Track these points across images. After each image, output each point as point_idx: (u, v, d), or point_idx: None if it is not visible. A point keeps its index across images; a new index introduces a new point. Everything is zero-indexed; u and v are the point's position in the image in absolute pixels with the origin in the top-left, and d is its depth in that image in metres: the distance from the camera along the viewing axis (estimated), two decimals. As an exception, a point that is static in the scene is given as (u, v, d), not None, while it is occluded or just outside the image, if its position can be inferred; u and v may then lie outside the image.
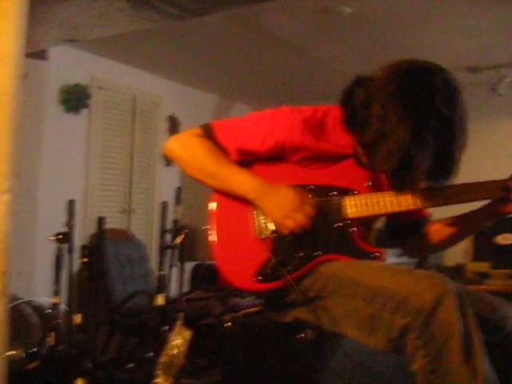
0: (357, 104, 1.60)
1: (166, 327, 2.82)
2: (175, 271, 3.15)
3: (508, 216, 1.66)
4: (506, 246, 3.78)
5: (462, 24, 4.15)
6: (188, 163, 1.74)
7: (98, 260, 2.19)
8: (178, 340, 1.94)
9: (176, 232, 2.90)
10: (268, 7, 3.87)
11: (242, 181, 1.68)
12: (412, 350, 1.40)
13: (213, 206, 1.75)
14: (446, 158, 1.55)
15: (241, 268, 1.68)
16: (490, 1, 3.74)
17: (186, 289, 5.15)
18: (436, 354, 1.37)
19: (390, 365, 1.77)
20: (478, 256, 4.73)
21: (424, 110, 1.51)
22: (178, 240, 2.87)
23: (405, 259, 4.59)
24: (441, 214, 1.85)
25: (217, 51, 4.92)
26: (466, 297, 1.43)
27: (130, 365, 4.00)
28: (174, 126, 5.74)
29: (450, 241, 1.85)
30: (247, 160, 1.74)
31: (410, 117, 1.50)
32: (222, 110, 6.37)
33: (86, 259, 2.06)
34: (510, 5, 3.78)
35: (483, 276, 4.76)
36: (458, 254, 5.04)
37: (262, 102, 6.08)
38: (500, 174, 1.66)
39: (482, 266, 4.58)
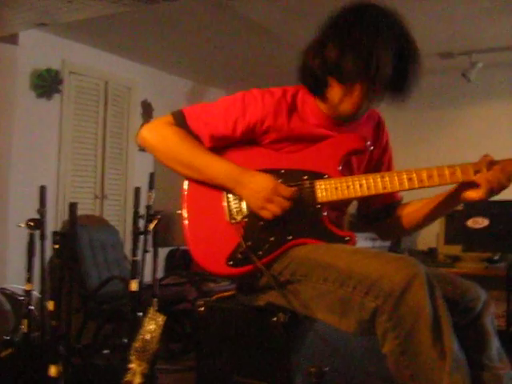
0: (315, 60, 1.66)
1: (141, 313, 2.81)
2: (149, 257, 3.15)
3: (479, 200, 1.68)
4: (477, 229, 3.83)
5: (435, 9, 4.17)
6: (162, 153, 1.73)
7: (70, 246, 2.17)
8: (151, 325, 1.94)
9: (149, 217, 2.89)
10: (242, -9, 3.85)
11: (218, 170, 1.68)
12: (382, 332, 1.42)
13: (185, 191, 1.75)
14: (404, 70, 1.67)
15: (212, 252, 1.68)
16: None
17: (160, 274, 5.16)
18: (406, 336, 1.39)
19: (362, 347, 1.80)
20: (449, 239, 4.79)
21: (375, 27, 1.63)
22: (151, 225, 2.86)
23: (378, 243, 4.65)
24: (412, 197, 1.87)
25: (190, 36, 4.88)
26: (435, 279, 1.45)
27: (106, 351, 4.00)
28: (147, 112, 5.70)
29: (422, 223, 1.86)
30: (220, 145, 1.73)
31: (366, 33, 1.61)
32: (196, 95, 6.34)
33: (57, 246, 2.04)
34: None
35: (455, 259, 4.83)
36: (430, 237, 5.11)
37: (237, 87, 6.03)
38: (471, 158, 1.68)
39: (454, 250, 4.64)
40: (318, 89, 1.70)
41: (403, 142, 5.58)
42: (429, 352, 1.37)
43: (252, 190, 1.63)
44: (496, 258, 4.80)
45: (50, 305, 2.27)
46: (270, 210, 1.62)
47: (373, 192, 1.65)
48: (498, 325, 3.89)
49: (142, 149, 1.80)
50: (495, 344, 1.63)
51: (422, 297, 1.39)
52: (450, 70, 5.32)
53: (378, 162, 1.89)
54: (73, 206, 2.18)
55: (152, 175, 3.20)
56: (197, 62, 5.71)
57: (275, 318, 1.65)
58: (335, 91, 1.68)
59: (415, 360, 1.39)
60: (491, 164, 1.61)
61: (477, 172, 1.62)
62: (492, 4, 4.02)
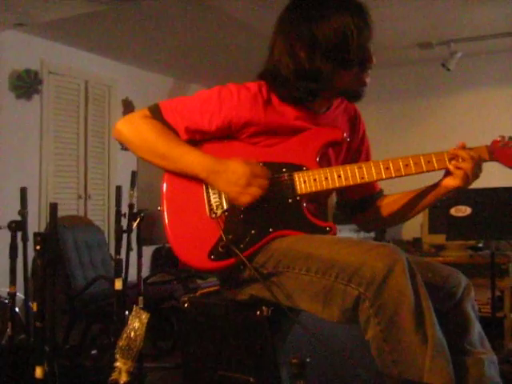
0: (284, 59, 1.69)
1: (127, 312, 2.80)
2: (135, 255, 3.14)
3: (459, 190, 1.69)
4: (460, 217, 3.85)
5: (414, 1, 4.19)
6: (138, 145, 1.73)
7: (53, 247, 2.15)
8: (136, 323, 1.93)
9: (132, 216, 2.88)
10: (219, -13, 3.84)
11: (192, 160, 1.67)
12: (365, 319, 1.43)
13: (164, 187, 1.75)
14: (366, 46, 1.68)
15: (194, 247, 1.68)
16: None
17: (147, 272, 5.15)
18: (388, 322, 1.40)
19: (347, 335, 1.80)
20: (433, 229, 4.82)
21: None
22: (134, 224, 2.85)
23: (362, 234, 4.67)
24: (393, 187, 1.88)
25: (170, 33, 4.87)
26: (416, 266, 1.46)
27: (93, 351, 3.99)
28: (128, 110, 5.68)
29: (403, 215, 1.88)
30: (197, 139, 1.73)
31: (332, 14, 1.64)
32: (178, 92, 6.32)
33: (38, 247, 2.03)
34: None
35: (439, 248, 4.86)
36: (414, 227, 5.14)
37: (218, 82, 6.02)
38: (451, 146, 1.69)
39: (438, 239, 4.67)
40: (322, 85, 1.70)
41: (384, 131, 5.63)
42: (411, 338, 1.39)
43: (228, 178, 1.63)
44: (480, 245, 4.85)
45: (34, 306, 2.25)
46: (250, 193, 1.61)
47: (351, 182, 1.66)
48: (483, 311, 3.93)
49: (125, 147, 1.80)
50: (476, 329, 1.65)
51: (404, 283, 1.40)
52: (430, 60, 5.36)
53: (356, 153, 1.91)
54: (53, 207, 2.16)
55: (134, 173, 3.19)
56: (177, 59, 5.70)
57: (259, 312, 1.65)
58: (343, 78, 1.69)
59: (397, 346, 1.40)
60: (465, 151, 1.64)
61: (452, 159, 1.64)
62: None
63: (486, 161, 1.67)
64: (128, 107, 5.73)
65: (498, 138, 1.70)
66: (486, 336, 1.70)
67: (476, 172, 1.64)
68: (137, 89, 5.86)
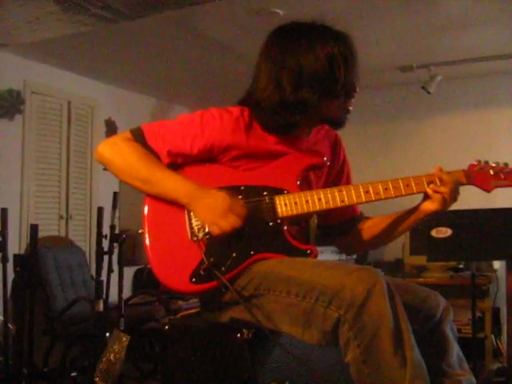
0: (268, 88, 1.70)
1: (108, 334, 2.78)
2: (116, 276, 3.12)
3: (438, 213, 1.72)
4: (441, 239, 3.88)
5: (395, 24, 4.26)
6: (120, 168, 1.73)
7: (33, 268, 2.14)
8: (116, 346, 1.92)
9: (113, 237, 2.87)
10: (202, 10, 3.87)
11: (173, 185, 1.68)
12: (345, 341, 1.44)
13: (146, 209, 1.75)
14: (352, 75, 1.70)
15: (175, 270, 1.68)
16: (421, 2, 3.85)
17: (129, 294, 5.12)
18: (367, 345, 1.41)
19: (327, 358, 1.81)
20: (415, 250, 4.85)
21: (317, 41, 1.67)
22: (116, 245, 2.85)
23: (344, 256, 4.68)
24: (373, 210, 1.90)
25: (153, 54, 4.89)
26: (395, 288, 1.47)
27: (73, 373, 3.94)
28: (111, 130, 5.68)
29: (383, 238, 1.90)
30: (179, 162, 1.74)
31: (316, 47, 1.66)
32: (161, 113, 6.33)
33: (18, 268, 2.02)
34: (441, 6, 3.90)
35: (421, 269, 4.89)
36: (396, 248, 5.16)
37: (201, 103, 6.05)
38: (431, 169, 1.73)
39: (419, 260, 4.69)
40: (306, 116, 1.72)
41: (365, 154, 5.67)
42: (390, 360, 1.40)
43: (206, 206, 1.64)
44: (461, 266, 4.88)
45: (13, 328, 2.23)
46: (221, 227, 1.62)
47: (331, 205, 1.68)
48: (464, 332, 3.95)
49: (106, 168, 1.80)
50: (455, 351, 1.67)
51: (383, 306, 1.41)
52: (410, 83, 5.42)
53: (337, 177, 1.93)
54: (34, 228, 2.15)
55: (116, 195, 3.18)
56: (160, 80, 5.72)
57: (239, 335, 1.65)
58: (328, 108, 1.72)
59: (377, 368, 1.40)
60: (443, 175, 1.67)
61: (430, 183, 1.68)
62: (446, 19, 4.12)
63: (463, 184, 1.70)
64: (111, 127, 5.72)
65: (475, 162, 1.73)
66: (467, 357, 1.72)
67: (454, 196, 1.68)
68: (120, 109, 5.86)
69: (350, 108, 1.76)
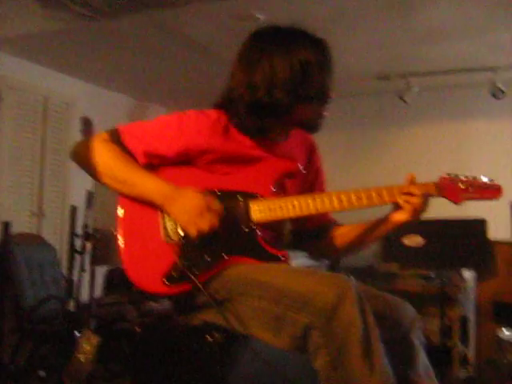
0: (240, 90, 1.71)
1: (77, 333, 2.77)
2: (88, 276, 3.10)
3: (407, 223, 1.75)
4: (414, 247, 3.93)
5: (374, 33, 4.30)
6: (95, 169, 1.72)
7: (4, 266, 2.12)
8: (86, 346, 1.91)
9: (87, 236, 2.85)
10: (184, 11, 3.87)
11: (149, 186, 1.68)
12: (315, 347, 1.46)
13: (121, 210, 1.75)
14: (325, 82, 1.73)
15: (148, 272, 1.68)
16: (400, 12, 3.90)
17: (100, 293, 5.07)
18: (337, 351, 1.42)
19: (298, 363, 1.82)
20: (387, 257, 4.89)
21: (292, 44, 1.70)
22: (89, 244, 2.83)
23: (317, 262, 4.70)
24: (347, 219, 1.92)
25: (132, 53, 4.87)
26: (365, 296, 1.49)
27: (41, 372, 3.90)
28: (87, 128, 5.62)
29: (354, 247, 1.92)
30: (155, 164, 1.74)
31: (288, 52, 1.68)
32: (138, 112, 6.30)
33: (-11, 265, 2.00)
34: (419, 17, 3.95)
35: (393, 276, 4.94)
36: (369, 255, 5.20)
37: (178, 103, 6.07)
38: (402, 180, 1.75)
39: (392, 267, 4.74)
40: (280, 119, 1.74)
41: (339, 161, 5.71)
42: (358, 367, 1.41)
43: (182, 206, 1.64)
44: (432, 275, 4.94)
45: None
46: (198, 226, 1.63)
47: (305, 212, 1.70)
48: (433, 340, 3.99)
49: (81, 168, 1.79)
50: (422, 359, 1.69)
51: (353, 313, 1.43)
52: (388, 92, 5.47)
53: (311, 184, 1.94)
54: (6, 225, 2.13)
55: (90, 193, 3.16)
56: (138, 79, 5.70)
57: (210, 338, 1.65)
58: (301, 112, 1.74)
59: (345, 375, 1.42)
60: (414, 187, 1.70)
61: (401, 194, 1.70)
62: (424, 30, 4.18)
63: (433, 196, 1.73)
64: (87, 125, 5.67)
65: (445, 175, 1.76)
66: (435, 365, 1.74)
67: (424, 207, 1.71)
68: (96, 107, 5.82)
69: (325, 113, 1.78)
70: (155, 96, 6.28)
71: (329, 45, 1.75)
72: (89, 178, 1.80)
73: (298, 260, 1.93)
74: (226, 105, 1.76)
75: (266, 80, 1.68)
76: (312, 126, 1.81)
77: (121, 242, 1.72)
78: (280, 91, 1.67)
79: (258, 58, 1.70)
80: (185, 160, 1.73)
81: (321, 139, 1.96)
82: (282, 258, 1.68)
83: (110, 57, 4.99)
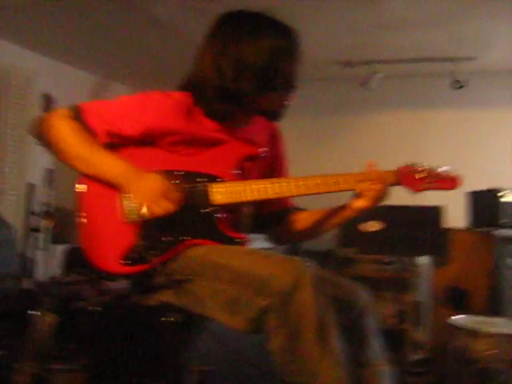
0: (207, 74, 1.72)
1: (33, 312, 2.74)
2: (46, 254, 3.07)
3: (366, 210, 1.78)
4: (372, 233, 3.99)
5: (339, 19, 4.30)
6: (54, 146, 1.70)
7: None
8: (41, 325, 1.90)
9: (45, 214, 2.82)
10: (149, -12, 3.82)
11: (110, 166, 1.67)
12: (270, 329, 1.48)
13: (80, 189, 1.74)
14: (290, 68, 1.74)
15: (106, 251, 1.68)
16: (364, 0, 3.92)
17: (58, 272, 5.02)
18: (292, 334, 1.45)
19: (254, 344, 1.84)
20: (346, 242, 4.95)
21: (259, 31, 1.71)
22: (48, 222, 2.80)
23: (276, 245, 4.73)
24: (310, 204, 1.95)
25: (96, 30, 4.78)
26: (322, 280, 1.52)
27: (-3, 352, 3.85)
28: (48, 104, 5.52)
29: (312, 232, 1.96)
30: (116, 143, 1.73)
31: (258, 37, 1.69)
32: (100, 90, 6.21)
33: None
34: (384, 5, 3.97)
35: (350, 261, 5.00)
36: (328, 240, 5.26)
37: (142, 85, 6.00)
38: (363, 166, 1.78)
39: (349, 252, 4.81)
40: (243, 106, 1.75)
41: (302, 146, 5.73)
42: (313, 349, 1.44)
43: (142, 188, 1.64)
44: (389, 260, 5.02)
45: None
46: (156, 209, 1.63)
47: (264, 197, 1.72)
48: (388, 324, 4.06)
49: (40, 144, 1.77)
50: (376, 342, 1.73)
51: (309, 296, 1.45)
52: (352, 79, 5.50)
53: (272, 170, 1.96)
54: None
55: (50, 171, 3.12)
56: (101, 57, 5.60)
57: (167, 318, 1.66)
58: (266, 100, 1.75)
59: (300, 357, 1.45)
60: (373, 174, 1.73)
61: (360, 181, 1.73)
62: (389, 19, 4.21)
63: (392, 185, 1.76)
64: (48, 101, 5.57)
65: (405, 164, 1.80)
66: (390, 348, 1.78)
67: (382, 195, 1.74)
68: (58, 83, 5.69)
69: (288, 102, 1.79)
70: (119, 75, 6.19)
71: (298, 34, 1.75)
72: (49, 156, 1.78)
73: (258, 243, 1.95)
74: (191, 87, 1.76)
75: (233, 66, 1.68)
76: (275, 115, 1.82)
77: (79, 220, 1.71)
78: (246, 79, 1.68)
79: (225, 43, 1.70)
80: (147, 140, 1.73)
81: (283, 124, 1.97)
82: (241, 241, 1.70)
83: (72, 32, 4.89)
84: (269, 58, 1.68)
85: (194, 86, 1.75)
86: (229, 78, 1.68)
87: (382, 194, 1.73)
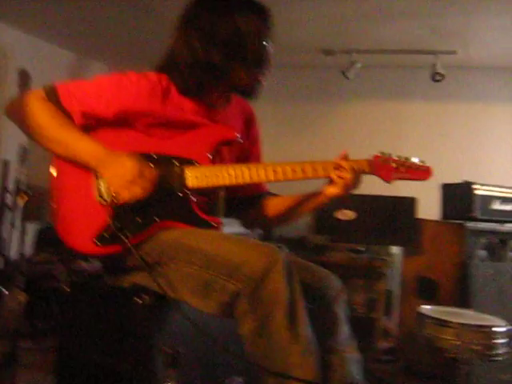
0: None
1: (4, 290, 2.72)
2: (19, 232, 3.05)
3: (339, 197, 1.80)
4: (345, 221, 4.03)
5: (321, 7, 4.30)
6: (30, 128, 1.68)
7: None
8: (13, 303, 1.89)
9: (18, 192, 2.79)
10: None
11: (84, 148, 1.66)
12: (241, 314, 1.50)
13: (54, 169, 1.73)
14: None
15: (80, 231, 1.67)
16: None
17: (30, 251, 4.99)
18: (263, 319, 1.47)
19: (225, 328, 1.85)
20: (319, 230, 4.99)
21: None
22: (20, 201, 2.77)
23: (250, 230, 4.74)
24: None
25: (74, 6, 4.71)
26: (293, 267, 1.53)
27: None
28: (24, 81, 5.44)
29: (285, 217, 1.98)
30: (92, 124, 1.72)
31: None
32: (78, 68, 6.13)
33: None
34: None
35: (324, 248, 5.04)
36: (302, 227, 5.29)
37: (120, 63, 5.95)
38: (338, 154, 1.80)
39: (323, 239, 4.84)
40: (218, 79, 1.76)
41: (280, 132, 5.73)
42: (283, 334, 1.46)
43: (115, 170, 1.63)
44: (361, 249, 5.07)
45: None
46: (130, 191, 1.63)
47: (240, 181, 1.73)
48: (359, 312, 4.11)
49: (16, 125, 1.75)
50: (344, 329, 1.76)
51: (280, 282, 1.47)
52: (331, 67, 5.50)
53: (248, 154, 1.97)
54: None
55: (24, 149, 3.09)
56: (80, 34, 5.52)
57: (138, 299, 1.67)
58: (238, 75, 1.76)
59: (270, 341, 1.47)
60: (348, 163, 1.76)
61: (335, 169, 1.75)
62: (371, 9, 4.22)
63: (365, 173, 1.79)
64: (24, 78, 5.48)
65: (379, 154, 1.82)
66: (359, 335, 1.81)
67: (355, 182, 1.77)
68: (35, 60, 5.60)
69: (263, 80, 1.80)
70: (97, 53, 6.12)
71: (272, 13, 1.77)
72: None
73: (231, 228, 1.96)
74: (167, 67, 1.76)
75: (203, 38, 1.70)
76: (249, 91, 1.83)
77: (53, 199, 1.70)
78: (215, 50, 1.70)
79: (198, 17, 1.73)
80: (123, 122, 1.72)
81: (260, 108, 1.97)
82: (215, 225, 1.71)
83: (51, 8, 4.81)
84: (237, 31, 1.71)
85: (169, 65, 1.76)
86: (199, 50, 1.70)
87: (354, 182, 1.76)
